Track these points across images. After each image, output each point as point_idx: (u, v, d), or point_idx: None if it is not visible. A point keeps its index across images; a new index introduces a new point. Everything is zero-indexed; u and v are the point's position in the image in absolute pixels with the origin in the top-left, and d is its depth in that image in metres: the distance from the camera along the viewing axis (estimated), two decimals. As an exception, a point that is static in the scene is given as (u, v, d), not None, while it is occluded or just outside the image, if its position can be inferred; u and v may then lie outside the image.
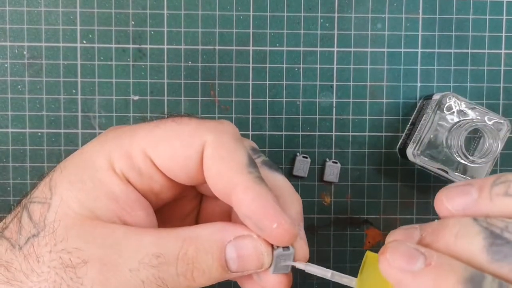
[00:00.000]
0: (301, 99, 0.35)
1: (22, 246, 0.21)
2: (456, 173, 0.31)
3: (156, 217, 0.25)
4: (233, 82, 0.34)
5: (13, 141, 0.34)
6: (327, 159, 0.35)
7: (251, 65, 0.34)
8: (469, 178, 0.31)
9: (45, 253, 0.21)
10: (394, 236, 0.23)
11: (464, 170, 0.31)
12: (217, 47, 0.34)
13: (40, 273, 0.21)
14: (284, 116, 0.35)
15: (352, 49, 0.35)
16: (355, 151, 0.35)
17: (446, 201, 0.21)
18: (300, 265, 0.23)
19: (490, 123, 0.30)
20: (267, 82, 0.34)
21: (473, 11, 0.35)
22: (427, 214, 0.35)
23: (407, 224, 0.36)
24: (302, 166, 0.34)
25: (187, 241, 0.22)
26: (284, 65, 0.34)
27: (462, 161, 0.30)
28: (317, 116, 0.35)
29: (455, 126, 0.30)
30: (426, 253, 0.19)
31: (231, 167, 0.22)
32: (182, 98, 0.34)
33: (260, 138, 0.35)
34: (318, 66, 0.35)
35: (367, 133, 0.35)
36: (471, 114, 0.30)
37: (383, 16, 0.34)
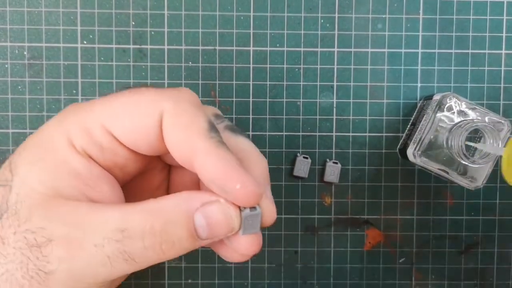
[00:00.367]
0: (301, 100, 0.35)
1: None
2: (456, 174, 0.31)
3: (124, 192, 0.25)
4: (234, 82, 0.34)
5: (14, 141, 0.34)
6: (328, 160, 0.35)
7: (251, 65, 0.34)
8: (470, 179, 0.31)
9: (10, 235, 0.21)
10: None
11: (465, 171, 0.31)
12: (217, 48, 0.34)
13: (6, 255, 0.21)
14: (284, 117, 0.35)
15: (352, 50, 0.35)
16: (356, 151, 0.35)
17: None
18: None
19: (490, 123, 0.30)
20: (268, 83, 0.34)
21: (474, 11, 0.35)
22: (428, 214, 0.35)
23: (408, 225, 0.37)
24: (302, 166, 0.34)
25: (153, 214, 0.21)
26: (285, 66, 0.34)
27: (462, 161, 0.30)
28: (318, 117, 0.35)
29: (455, 127, 0.30)
30: None
31: (191, 133, 0.22)
32: (183, 98, 0.34)
33: (260, 138, 0.35)
34: (318, 66, 0.35)
35: (367, 134, 0.35)
36: (472, 115, 0.30)
37: (383, 16, 0.34)
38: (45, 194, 0.22)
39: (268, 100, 0.35)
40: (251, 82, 0.34)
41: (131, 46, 0.34)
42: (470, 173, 0.31)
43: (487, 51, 0.35)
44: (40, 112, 0.34)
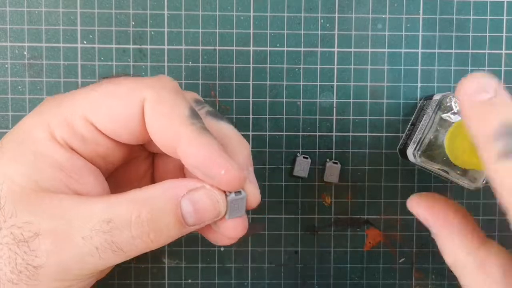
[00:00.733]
0: (301, 100, 0.35)
1: None
2: (456, 174, 0.31)
3: (109, 183, 0.25)
4: (234, 82, 0.34)
5: (14, 141, 0.34)
6: (328, 160, 0.35)
7: (251, 65, 0.34)
8: (470, 179, 0.31)
9: None
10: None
11: (465, 171, 0.31)
12: (217, 48, 0.34)
13: None
14: (284, 117, 0.35)
15: (352, 50, 0.35)
16: (356, 151, 0.35)
17: None
18: None
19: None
20: (268, 83, 0.34)
21: (474, 11, 0.34)
22: (428, 214, 0.35)
23: (408, 225, 0.37)
24: (302, 166, 0.34)
25: (138, 203, 0.21)
26: (285, 66, 0.34)
27: (462, 161, 0.30)
28: (318, 117, 0.35)
29: (455, 127, 0.30)
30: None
31: (172, 121, 0.22)
32: (183, 98, 0.34)
33: (260, 138, 0.35)
34: (318, 66, 0.35)
35: (367, 134, 0.35)
36: (472, 115, 0.30)
37: (383, 16, 0.34)
38: (28, 188, 0.22)
39: (268, 100, 0.35)
40: (251, 82, 0.34)
41: (131, 46, 0.34)
42: (470, 173, 0.31)
43: (487, 51, 0.35)
44: (40, 112, 0.34)
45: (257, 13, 0.34)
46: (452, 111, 0.31)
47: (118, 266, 0.34)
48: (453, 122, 0.30)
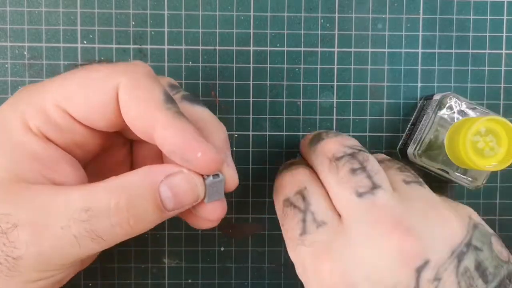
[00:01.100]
0: (301, 100, 0.35)
1: None
2: (456, 174, 0.31)
3: (88, 172, 0.25)
4: (234, 82, 0.34)
5: (14, 141, 0.34)
6: (328, 160, 0.35)
7: (251, 65, 0.34)
8: (470, 179, 0.31)
9: None
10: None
11: (465, 171, 0.31)
12: (217, 48, 0.34)
13: None
14: (284, 117, 0.35)
15: (352, 50, 0.35)
16: (356, 151, 0.35)
17: None
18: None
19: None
20: (268, 83, 0.34)
21: (474, 11, 0.34)
22: (428, 214, 0.35)
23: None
24: None
25: (118, 190, 0.21)
26: (285, 66, 0.34)
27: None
28: (318, 117, 0.35)
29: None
30: None
31: (147, 106, 0.22)
32: (183, 98, 0.34)
33: (260, 138, 0.35)
34: (318, 66, 0.35)
35: (367, 134, 0.35)
36: (472, 115, 0.30)
37: (383, 16, 0.34)
38: (5, 179, 0.22)
39: (268, 100, 0.35)
40: (251, 82, 0.34)
41: (131, 46, 0.34)
42: (470, 173, 0.31)
43: (487, 51, 0.35)
44: (40, 112, 0.34)
45: (257, 13, 0.34)
46: (452, 111, 0.31)
47: (118, 265, 0.34)
48: (453, 122, 0.30)
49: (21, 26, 0.34)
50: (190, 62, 0.34)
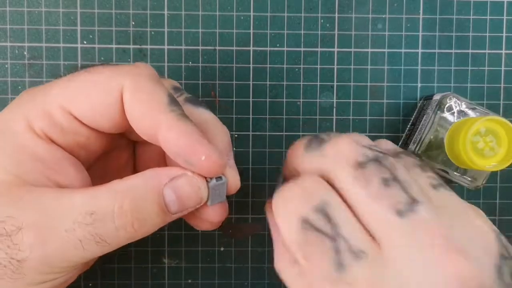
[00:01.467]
0: (301, 100, 0.35)
1: None
2: (456, 174, 0.31)
3: (91, 174, 0.25)
4: (234, 82, 0.34)
5: (14, 141, 0.34)
6: (328, 160, 0.35)
7: (251, 65, 0.34)
8: (470, 179, 0.31)
9: None
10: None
11: (464, 171, 0.31)
12: (217, 48, 0.34)
13: None
14: (284, 117, 0.35)
15: (352, 50, 0.35)
16: (356, 151, 0.35)
17: None
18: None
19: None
20: (268, 83, 0.34)
21: (474, 11, 0.35)
22: (428, 214, 0.35)
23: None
24: None
25: (121, 194, 0.21)
26: (285, 66, 0.34)
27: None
28: (318, 117, 0.35)
29: (455, 127, 0.30)
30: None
31: (152, 108, 0.22)
32: (183, 98, 0.34)
33: (260, 138, 0.35)
34: (318, 66, 0.35)
35: (367, 134, 0.35)
36: (472, 115, 0.30)
37: (383, 16, 0.34)
38: (9, 181, 0.22)
39: (268, 100, 0.35)
40: (251, 82, 0.34)
41: (131, 46, 0.34)
42: (470, 173, 0.31)
43: (487, 51, 0.35)
44: (40, 112, 0.34)
45: (257, 13, 0.34)
46: (452, 111, 0.31)
47: (118, 265, 0.34)
48: (453, 122, 0.30)
49: (21, 26, 0.34)
50: (190, 62, 0.34)
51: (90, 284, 0.34)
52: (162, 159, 0.27)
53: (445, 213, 0.21)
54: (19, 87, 0.34)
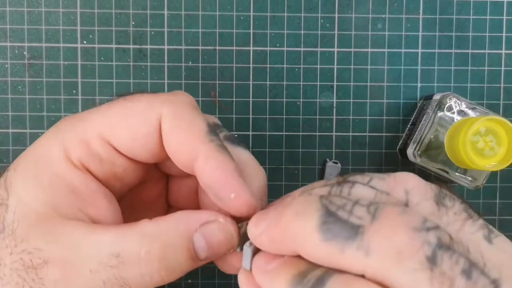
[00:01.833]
0: (301, 100, 0.35)
1: None
2: (456, 173, 0.31)
3: (122, 205, 0.24)
4: (234, 82, 0.34)
5: (14, 141, 0.34)
6: (328, 160, 0.35)
7: (251, 65, 0.34)
8: (470, 179, 0.31)
9: (6, 255, 0.20)
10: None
11: (464, 171, 0.31)
12: (217, 48, 0.34)
13: (2, 276, 0.20)
14: (284, 117, 0.35)
15: (352, 50, 0.35)
16: (356, 151, 0.35)
17: None
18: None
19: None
20: (268, 83, 0.34)
21: (474, 11, 0.35)
22: (428, 214, 0.35)
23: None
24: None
25: (150, 237, 0.21)
26: (285, 66, 0.34)
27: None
28: (318, 117, 0.35)
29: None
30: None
31: (190, 136, 0.21)
32: (183, 98, 0.34)
33: (260, 138, 0.35)
34: (318, 66, 0.35)
35: (367, 134, 0.35)
36: (472, 114, 0.30)
37: (383, 16, 0.34)
38: (42, 212, 0.21)
39: (268, 100, 0.35)
40: (251, 82, 0.34)
41: (131, 46, 0.34)
42: (470, 173, 0.31)
43: (487, 51, 0.35)
44: (40, 112, 0.34)
45: (257, 13, 0.34)
46: (452, 111, 0.31)
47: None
48: (453, 122, 0.30)
49: (21, 26, 0.34)
50: (190, 62, 0.34)
51: (90, 284, 0.34)
52: (195, 195, 0.26)
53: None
54: (19, 87, 0.34)
